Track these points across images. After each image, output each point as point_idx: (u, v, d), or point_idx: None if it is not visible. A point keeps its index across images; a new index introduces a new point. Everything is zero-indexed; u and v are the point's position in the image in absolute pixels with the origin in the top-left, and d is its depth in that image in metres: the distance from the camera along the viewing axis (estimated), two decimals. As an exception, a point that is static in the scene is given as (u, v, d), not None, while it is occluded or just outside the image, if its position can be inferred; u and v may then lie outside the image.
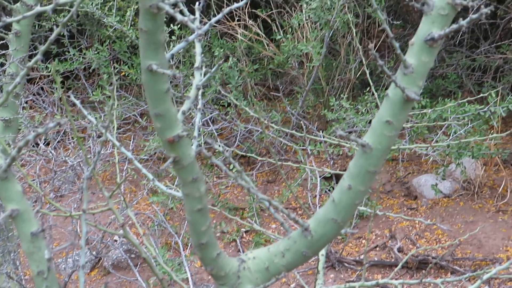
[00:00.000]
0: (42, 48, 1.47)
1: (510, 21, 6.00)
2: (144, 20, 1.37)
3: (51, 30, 6.42)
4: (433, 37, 1.50)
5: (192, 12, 1.72)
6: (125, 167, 4.43)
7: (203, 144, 5.36)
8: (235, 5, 1.65)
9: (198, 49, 1.69)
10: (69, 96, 6.17)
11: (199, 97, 1.92)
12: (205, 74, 1.74)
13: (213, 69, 1.63)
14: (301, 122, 5.69)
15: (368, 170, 1.56)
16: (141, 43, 1.39)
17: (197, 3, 1.76)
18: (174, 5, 1.38)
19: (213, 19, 1.64)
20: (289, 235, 1.67)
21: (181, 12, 1.70)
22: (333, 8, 5.38)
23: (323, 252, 2.49)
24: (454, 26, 1.47)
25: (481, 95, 4.76)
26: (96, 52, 6.15)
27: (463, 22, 1.43)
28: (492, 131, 5.35)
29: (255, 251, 1.71)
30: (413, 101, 1.52)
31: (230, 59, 5.47)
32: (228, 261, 1.69)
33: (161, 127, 1.50)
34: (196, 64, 1.68)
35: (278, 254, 1.67)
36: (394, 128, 1.54)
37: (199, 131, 5.04)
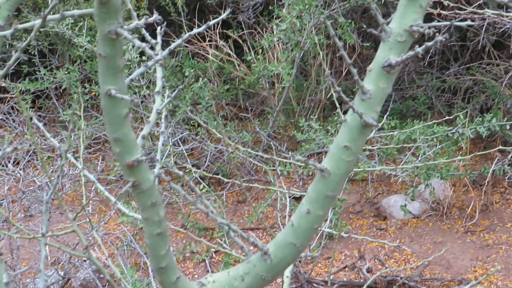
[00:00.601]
0: (1, 72, 1.47)
1: (479, 43, 6.07)
2: (103, 45, 1.37)
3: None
4: (390, 63, 1.51)
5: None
6: (93, 188, 4.41)
7: (172, 164, 5.36)
8: (199, 29, 1.66)
9: (158, 73, 1.70)
10: (40, 115, 6.09)
11: (163, 120, 1.92)
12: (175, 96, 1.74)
13: (173, 94, 1.64)
14: (271, 142, 5.71)
15: (327, 194, 1.57)
16: (100, 68, 1.40)
17: (158, 27, 1.77)
18: (134, 31, 1.39)
19: (173, 45, 1.64)
20: (249, 259, 1.67)
21: (143, 37, 1.71)
22: (304, 29, 5.41)
23: (288, 273, 2.49)
24: (411, 52, 1.48)
25: (451, 116, 4.81)
26: (67, 72, 6.13)
27: (419, 49, 1.45)
28: (460, 152, 5.39)
29: (215, 274, 1.71)
30: (371, 127, 1.54)
31: (200, 79, 5.47)
32: (188, 285, 1.69)
33: (120, 152, 1.50)
34: (157, 89, 1.68)
35: (238, 277, 1.67)
36: (353, 153, 1.55)
37: (169, 151, 5.01)
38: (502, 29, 5.01)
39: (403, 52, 1.52)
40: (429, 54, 6.72)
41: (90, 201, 5.35)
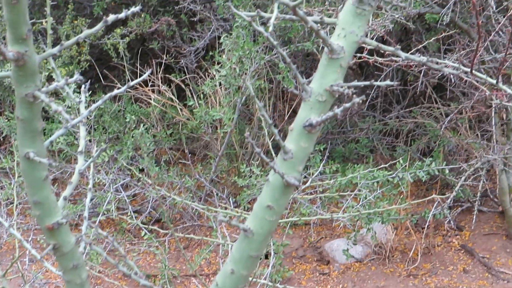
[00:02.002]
0: None
1: (419, 87, 6.15)
2: (20, 108, 1.36)
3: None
4: (311, 123, 1.52)
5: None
6: (29, 238, 4.35)
7: (114, 211, 5.30)
8: (140, 78, 1.65)
9: (82, 132, 1.69)
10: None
11: (91, 179, 1.90)
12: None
13: (96, 154, 1.62)
14: (213, 189, 5.70)
15: (250, 254, 1.57)
16: (18, 131, 1.38)
17: (83, 85, 1.76)
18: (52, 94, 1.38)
19: (98, 102, 1.63)
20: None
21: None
22: (245, 74, 5.44)
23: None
24: (330, 113, 1.50)
25: (393, 161, 4.86)
26: (7, 119, 6.05)
27: (337, 111, 1.46)
28: (401, 196, 5.43)
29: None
30: (294, 186, 1.54)
31: (141, 125, 5.45)
32: None
33: (39, 215, 1.48)
34: (80, 148, 1.67)
35: None
36: (275, 213, 1.55)
37: (110, 198, 4.93)
38: (441, 73, 5.10)
39: (324, 111, 1.54)
40: (371, 97, 6.80)
41: (28, 251, 5.25)
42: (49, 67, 5.23)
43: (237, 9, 5.35)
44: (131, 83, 1.61)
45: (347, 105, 1.45)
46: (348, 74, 7.25)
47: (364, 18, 1.57)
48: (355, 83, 1.55)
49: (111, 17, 1.46)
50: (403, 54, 1.56)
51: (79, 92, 5.42)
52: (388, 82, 1.51)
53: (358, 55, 4.11)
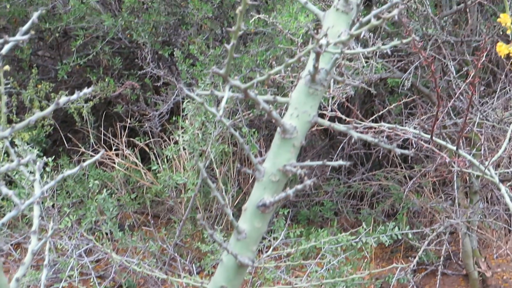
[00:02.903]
0: None
1: (381, 150, 6.21)
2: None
3: None
4: (264, 203, 1.53)
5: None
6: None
7: (77, 277, 5.23)
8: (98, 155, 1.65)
9: (35, 212, 1.67)
10: None
11: (47, 255, 1.88)
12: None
13: (49, 233, 1.60)
14: (175, 255, 5.65)
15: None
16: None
17: (38, 162, 1.75)
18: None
19: (51, 183, 1.62)
20: None
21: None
22: (208, 139, 5.44)
23: None
24: (283, 194, 1.50)
25: (357, 228, 4.87)
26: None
27: (290, 192, 1.47)
28: (365, 260, 5.43)
29: None
30: (247, 266, 1.54)
31: (104, 191, 5.42)
32: None
33: (-11, 299, 1.45)
34: (33, 228, 1.65)
35: None
36: (229, 294, 1.54)
37: (72, 264, 4.86)
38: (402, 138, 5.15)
39: (278, 191, 1.54)
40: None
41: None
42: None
43: (201, 73, 5.40)
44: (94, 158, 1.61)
45: (299, 186, 1.45)
46: (314, 136, 7.30)
47: (317, 98, 1.58)
48: (308, 162, 1.56)
49: (63, 99, 1.46)
50: (355, 134, 1.58)
51: (42, 158, 5.39)
52: (340, 162, 1.52)
53: (320, 120, 4.14)
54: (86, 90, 1.52)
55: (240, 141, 1.51)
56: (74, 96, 1.49)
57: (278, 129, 1.56)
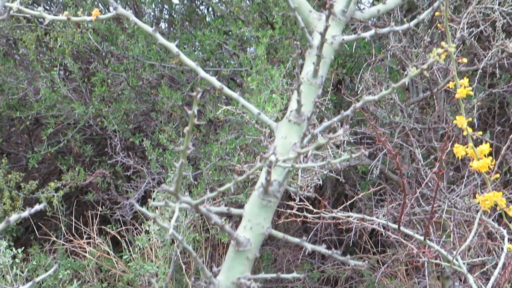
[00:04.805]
0: None
1: (352, 237, 6.20)
2: None
3: None
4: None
5: None
6: None
7: None
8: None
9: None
10: None
11: None
12: None
13: None
14: None
15: None
16: None
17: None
18: None
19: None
20: None
21: None
22: (180, 227, 5.41)
23: None
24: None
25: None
26: None
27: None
28: None
29: None
30: None
31: (75, 281, 5.35)
32: None
33: None
34: None
35: None
36: None
37: None
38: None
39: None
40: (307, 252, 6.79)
41: None
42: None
43: (171, 162, 5.40)
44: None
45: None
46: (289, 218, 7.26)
47: (270, 210, 1.59)
48: (262, 275, 1.56)
49: (13, 217, 1.45)
50: (309, 246, 1.58)
51: (11, 249, 5.34)
52: (294, 274, 1.52)
53: (288, 211, 4.15)
54: (37, 207, 1.52)
55: (193, 255, 1.50)
56: (25, 213, 1.49)
57: (232, 242, 1.55)
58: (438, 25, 4.13)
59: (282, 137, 1.64)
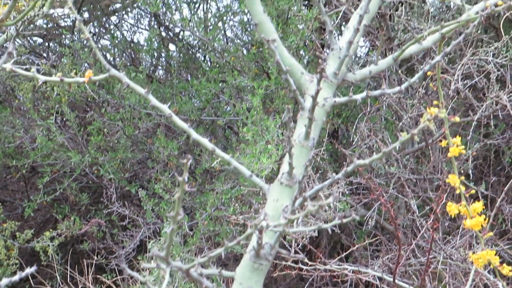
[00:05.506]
0: None
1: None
2: None
3: None
4: None
5: None
6: None
7: None
8: None
9: None
10: None
11: None
12: None
13: None
14: None
15: None
16: None
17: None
18: None
19: None
20: None
21: None
22: (175, 277, 5.39)
23: None
24: None
25: None
26: None
27: None
28: None
29: None
30: None
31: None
32: None
33: None
34: None
35: None
36: None
37: None
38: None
39: None
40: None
41: None
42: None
43: (166, 211, 5.39)
44: None
45: None
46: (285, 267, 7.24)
47: (262, 273, 1.58)
48: None
49: (4, 281, 1.44)
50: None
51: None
52: None
53: (283, 263, 4.14)
54: (28, 271, 1.51)
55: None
56: (16, 277, 1.48)
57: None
58: (431, 84, 4.16)
59: (273, 199, 1.64)
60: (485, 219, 2.21)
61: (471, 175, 5.06)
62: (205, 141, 1.68)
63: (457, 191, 2.17)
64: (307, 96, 1.74)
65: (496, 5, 1.95)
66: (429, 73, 2.11)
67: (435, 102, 2.12)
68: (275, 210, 1.62)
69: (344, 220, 1.44)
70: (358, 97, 1.75)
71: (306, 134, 1.66)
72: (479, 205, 2.13)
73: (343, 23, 5.58)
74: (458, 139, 2.11)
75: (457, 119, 2.11)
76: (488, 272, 4.00)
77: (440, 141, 4.93)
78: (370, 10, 1.83)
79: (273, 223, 1.39)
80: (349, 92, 4.82)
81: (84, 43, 6.19)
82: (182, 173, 1.39)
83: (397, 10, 5.22)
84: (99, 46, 7.20)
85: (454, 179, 2.13)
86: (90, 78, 1.71)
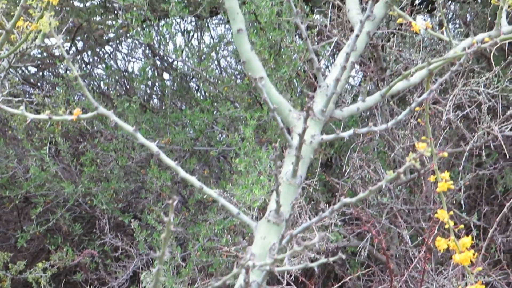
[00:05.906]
0: None
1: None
2: None
3: None
4: None
5: None
6: None
7: None
8: None
9: None
10: None
11: None
12: None
13: None
14: None
15: None
16: None
17: None
18: None
19: None
20: None
21: None
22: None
23: None
24: None
25: None
26: None
27: None
28: None
29: None
30: None
31: None
32: None
33: None
34: None
35: None
36: None
37: None
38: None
39: None
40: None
41: None
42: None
43: (159, 242, 5.38)
44: None
45: None
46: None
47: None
48: None
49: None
50: None
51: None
52: None
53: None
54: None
55: None
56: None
57: None
58: (419, 120, 4.19)
59: (261, 237, 1.65)
60: (477, 251, 2.22)
61: (463, 205, 5.06)
62: (192, 179, 1.69)
63: (446, 226, 2.18)
64: (294, 133, 1.75)
65: (482, 42, 1.97)
66: (417, 108, 2.13)
67: (423, 138, 2.13)
68: (263, 248, 1.62)
69: (331, 259, 1.44)
70: (345, 134, 1.76)
71: (293, 172, 1.67)
72: (467, 240, 2.13)
73: (336, 52, 5.61)
74: (446, 174, 2.12)
75: (445, 154, 2.12)
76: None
77: (433, 170, 4.95)
78: (358, 47, 1.84)
79: (259, 262, 1.39)
80: (341, 124, 4.85)
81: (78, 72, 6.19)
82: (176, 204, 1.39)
83: (388, 40, 5.25)
84: (94, 74, 7.23)
85: (443, 214, 2.14)
86: (78, 116, 1.72)
